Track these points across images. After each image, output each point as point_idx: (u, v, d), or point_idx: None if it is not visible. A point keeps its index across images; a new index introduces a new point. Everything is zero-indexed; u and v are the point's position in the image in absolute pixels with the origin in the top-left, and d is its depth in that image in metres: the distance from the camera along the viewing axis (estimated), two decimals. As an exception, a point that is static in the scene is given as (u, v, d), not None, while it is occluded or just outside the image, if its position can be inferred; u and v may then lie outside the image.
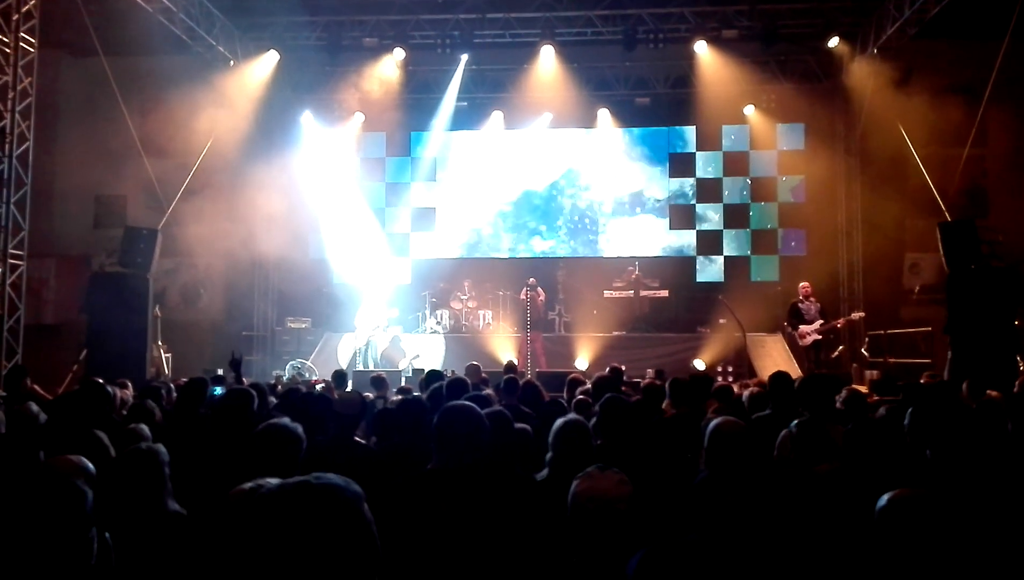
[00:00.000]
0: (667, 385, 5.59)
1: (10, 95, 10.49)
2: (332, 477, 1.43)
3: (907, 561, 2.25)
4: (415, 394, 6.42)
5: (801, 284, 12.92)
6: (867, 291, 15.76)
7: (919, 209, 13.59)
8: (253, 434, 3.36)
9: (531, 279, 14.62)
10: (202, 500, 3.11)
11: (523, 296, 14.46)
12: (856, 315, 13.42)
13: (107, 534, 2.29)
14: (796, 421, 3.49)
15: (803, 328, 12.40)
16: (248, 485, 2.35)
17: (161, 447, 3.21)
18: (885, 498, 2.35)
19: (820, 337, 12.32)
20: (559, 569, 2.41)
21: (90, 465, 3.13)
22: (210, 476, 3.39)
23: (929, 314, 13.44)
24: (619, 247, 17.07)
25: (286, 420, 3.44)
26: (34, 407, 4.67)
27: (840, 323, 12.93)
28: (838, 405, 5.69)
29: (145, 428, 4.34)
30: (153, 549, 2.85)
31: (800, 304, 12.55)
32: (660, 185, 17.19)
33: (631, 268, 15.78)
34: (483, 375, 8.36)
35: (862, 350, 14.59)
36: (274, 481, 1.91)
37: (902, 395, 5.66)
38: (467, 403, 3.40)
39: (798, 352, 13.70)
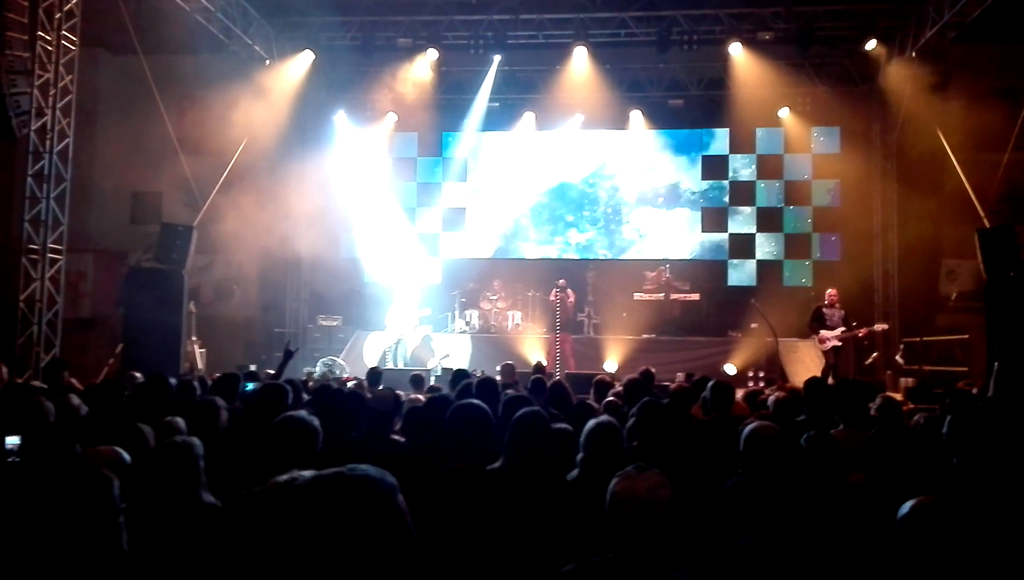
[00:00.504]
0: (709, 388, 5.57)
1: (51, 92, 10.68)
2: (367, 468, 1.44)
3: (930, 569, 2.21)
4: (444, 393, 6.44)
5: (829, 290, 12.86)
6: (902, 297, 15.55)
7: (956, 215, 13.36)
8: (270, 427, 3.38)
9: (561, 280, 14.58)
10: (236, 493, 3.14)
11: (553, 297, 14.43)
12: (879, 326, 13.21)
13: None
14: (805, 435, 3.45)
15: (823, 333, 12.38)
16: (284, 477, 2.37)
17: (196, 440, 3.25)
18: (908, 505, 2.32)
19: (840, 343, 12.31)
20: (593, 568, 2.40)
21: (126, 455, 3.18)
22: (243, 469, 3.42)
23: (966, 322, 13.24)
24: (653, 244, 16.99)
25: (302, 412, 3.46)
26: (75, 399, 4.74)
27: (862, 333, 12.74)
28: (872, 412, 5.63)
29: (180, 421, 4.40)
30: (188, 541, 2.88)
31: (825, 309, 12.53)
32: (693, 181, 17.09)
33: (662, 269, 15.69)
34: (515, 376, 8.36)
35: (897, 358, 14.38)
36: (308, 473, 1.93)
37: (948, 401, 5.57)
38: (475, 402, 3.41)
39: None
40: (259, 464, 3.21)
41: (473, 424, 3.27)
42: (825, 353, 12.46)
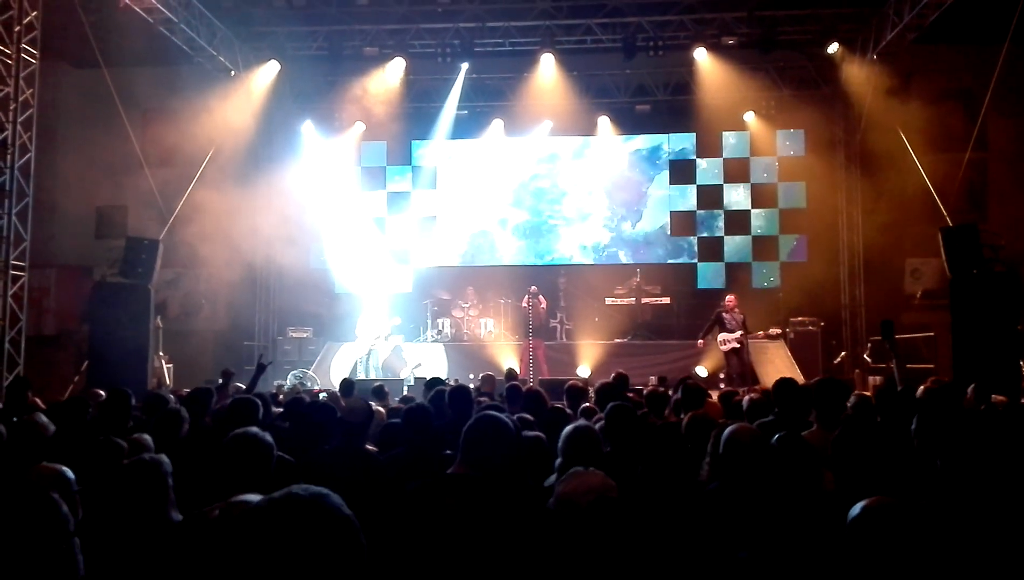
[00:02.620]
0: (680, 390, 5.60)
1: (12, 106, 10.50)
2: (318, 488, 1.43)
3: (881, 571, 2.22)
4: (418, 402, 6.40)
5: (728, 297, 13.22)
6: (868, 296, 15.76)
7: (920, 214, 13.59)
8: (222, 444, 3.29)
9: (532, 287, 14.61)
10: (194, 512, 3.10)
11: (525, 304, 14.46)
12: (773, 331, 13.62)
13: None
14: (777, 435, 3.46)
15: (722, 335, 12.75)
16: (240, 498, 2.33)
17: (164, 458, 3.19)
18: (858, 507, 2.31)
19: (739, 345, 12.68)
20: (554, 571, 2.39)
21: (70, 473, 3.09)
22: (213, 487, 3.37)
23: (931, 319, 13.46)
24: (623, 251, 17.10)
25: (254, 429, 3.36)
26: (42, 418, 4.65)
27: (761, 335, 13.18)
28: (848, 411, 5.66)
29: (148, 438, 4.32)
30: (156, 559, 2.83)
31: (724, 314, 12.89)
32: (661, 191, 17.21)
33: (634, 279, 15.74)
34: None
35: (864, 356, 14.58)
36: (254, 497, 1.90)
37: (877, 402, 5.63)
38: (497, 415, 3.35)
39: (799, 357, 13.73)
40: (215, 482, 3.16)
41: (495, 435, 3.19)
42: (725, 354, 12.78)
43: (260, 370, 6.91)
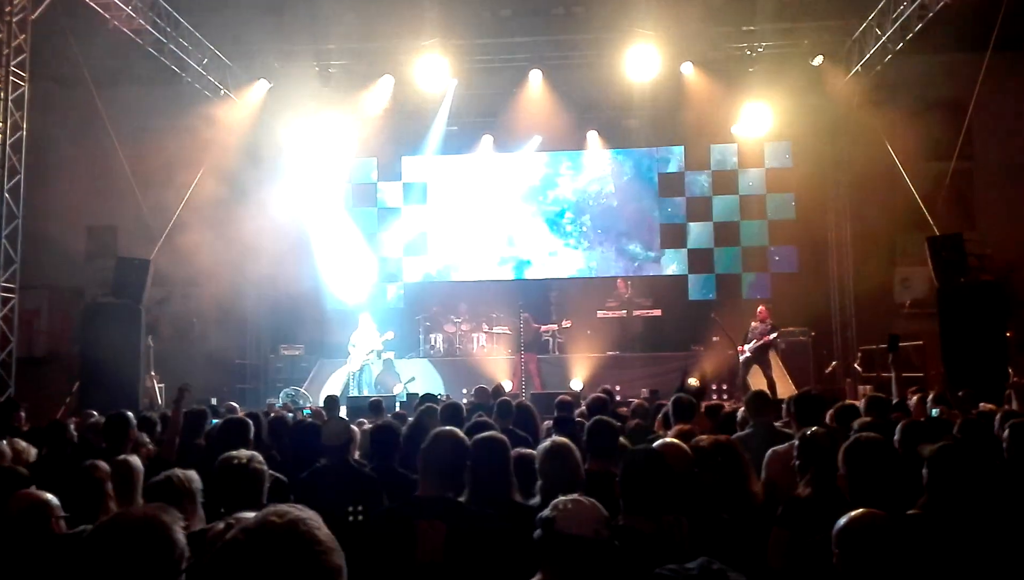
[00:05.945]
0: (670, 403, 5.64)
1: (1, 129, 10.51)
2: (295, 512, 1.45)
3: None
4: (388, 420, 6.40)
5: (760, 308, 13.37)
6: (858, 306, 15.82)
7: (908, 223, 13.67)
8: (214, 470, 3.28)
9: (524, 314, 14.54)
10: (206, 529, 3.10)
11: (522, 322, 14.48)
12: (772, 335, 13.33)
13: None
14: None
15: (740, 347, 13.02)
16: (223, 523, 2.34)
17: (194, 474, 3.20)
18: (842, 521, 2.34)
19: (750, 354, 12.83)
20: None
21: (55, 500, 3.07)
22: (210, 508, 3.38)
23: (921, 328, 13.48)
24: (613, 265, 17.16)
25: (246, 454, 3.31)
26: (20, 443, 4.64)
27: (766, 339, 13.05)
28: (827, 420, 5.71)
29: (136, 459, 4.30)
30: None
31: (752, 323, 13.10)
32: (651, 203, 17.28)
33: (624, 287, 15.80)
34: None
35: (855, 365, 14.62)
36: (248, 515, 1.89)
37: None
38: (453, 430, 3.34)
39: (791, 367, 13.77)
40: (209, 504, 3.18)
41: (449, 454, 3.20)
42: (741, 363, 12.98)
43: (181, 394, 6.23)
